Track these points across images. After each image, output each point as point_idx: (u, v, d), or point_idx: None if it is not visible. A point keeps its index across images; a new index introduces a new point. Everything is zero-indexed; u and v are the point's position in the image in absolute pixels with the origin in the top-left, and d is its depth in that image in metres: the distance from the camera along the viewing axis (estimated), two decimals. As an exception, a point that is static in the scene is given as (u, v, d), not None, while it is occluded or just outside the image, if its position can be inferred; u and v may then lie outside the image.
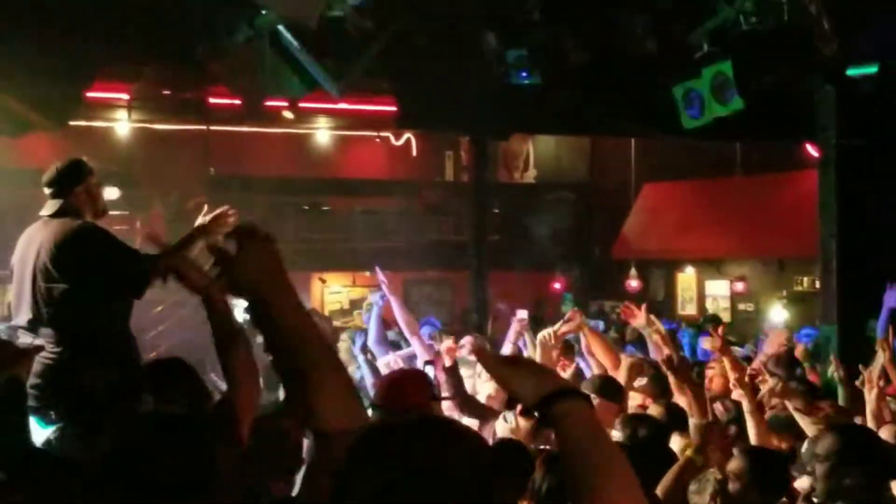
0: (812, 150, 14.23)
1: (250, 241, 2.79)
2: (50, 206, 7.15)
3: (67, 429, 6.58)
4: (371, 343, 10.51)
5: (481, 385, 8.75)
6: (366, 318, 11.49)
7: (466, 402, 8.26)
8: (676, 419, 7.12)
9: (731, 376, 7.55)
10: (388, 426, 2.40)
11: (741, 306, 23.27)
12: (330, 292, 24.40)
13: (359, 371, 10.09)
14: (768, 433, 7.24)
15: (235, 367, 3.86)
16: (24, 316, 6.97)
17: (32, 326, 6.85)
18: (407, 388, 5.74)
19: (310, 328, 2.83)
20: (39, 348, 4.87)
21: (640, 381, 8.60)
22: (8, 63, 10.38)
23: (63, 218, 7.06)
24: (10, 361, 4.05)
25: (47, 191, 7.20)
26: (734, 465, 5.66)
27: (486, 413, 8.13)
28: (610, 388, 7.71)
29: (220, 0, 9.33)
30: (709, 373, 9.40)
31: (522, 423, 7.01)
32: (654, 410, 7.37)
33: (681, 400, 7.35)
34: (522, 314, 11.58)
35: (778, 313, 15.16)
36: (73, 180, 7.15)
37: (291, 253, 22.25)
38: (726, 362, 8.21)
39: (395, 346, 11.26)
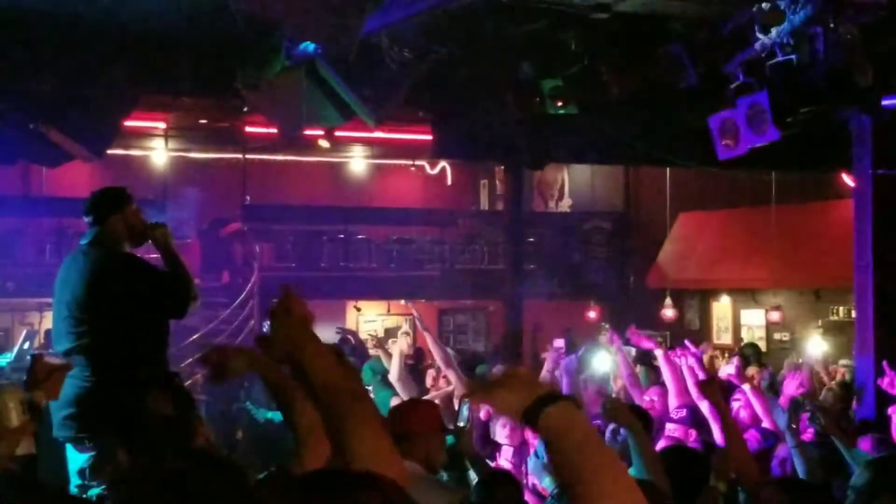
0: (848, 180, 14.18)
1: (278, 319, 3.03)
2: (87, 235, 7.20)
3: (101, 456, 6.62)
4: (393, 379, 10.51)
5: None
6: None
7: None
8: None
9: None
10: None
11: (776, 336, 23.16)
12: (365, 320, 24.45)
13: None
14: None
15: (299, 426, 3.89)
16: (61, 344, 7.02)
17: (68, 354, 6.90)
18: (412, 416, 5.79)
19: (342, 381, 3.04)
20: (67, 367, 4.88)
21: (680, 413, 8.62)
22: (47, 93, 10.48)
23: (99, 247, 7.10)
24: (40, 381, 4.07)
25: (86, 219, 7.24)
26: (768, 495, 5.63)
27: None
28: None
29: (258, 30, 9.39)
30: (734, 405, 9.35)
31: None
32: None
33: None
34: (559, 343, 11.63)
35: (815, 344, 15.10)
36: (109, 208, 7.16)
37: (326, 281, 22.38)
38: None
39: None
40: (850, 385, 11.86)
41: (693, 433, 8.37)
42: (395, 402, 9.97)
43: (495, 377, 2.71)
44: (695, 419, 8.54)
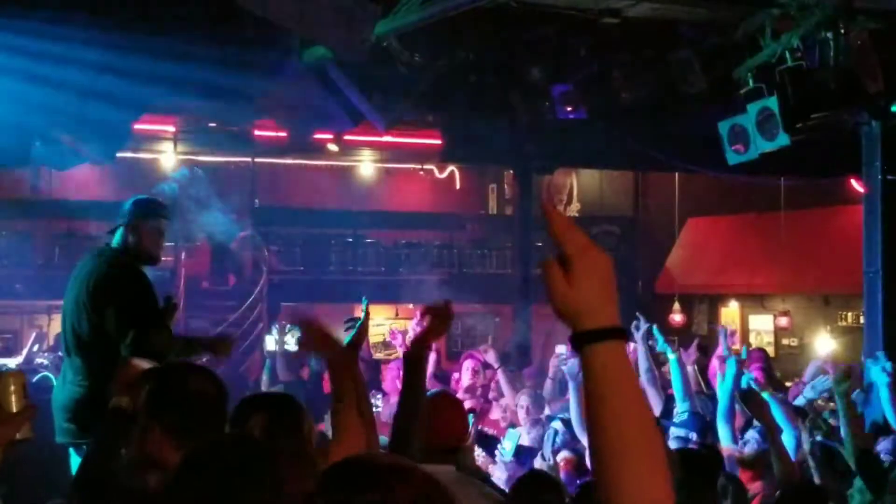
0: (857, 186, 14.18)
1: None
2: (107, 236, 7.18)
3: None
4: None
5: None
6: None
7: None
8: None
9: None
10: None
11: (785, 341, 23.12)
12: (373, 325, 24.41)
13: None
14: None
15: (337, 427, 4.03)
16: (62, 346, 7.03)
17: (68, 356, 6.91)
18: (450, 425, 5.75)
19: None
20: (33, 409, 4.67)
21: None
22: (58, 96, 10.50)
23: (107, 253, 7.06)
24: (127, 386, 4.12)
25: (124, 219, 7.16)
26: None
27: None
28: None
29: (269, 35, 9.41)
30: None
31: None
32: None
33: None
34: (560, 349, 11.63)
35: (825, 347, 15.07)
36: (129, 217, 7.10)
37: (334, 285, 22.38)
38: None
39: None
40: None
41: (693, 436, 8.44)
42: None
43: (585, 248, 2.27)
44: (696, 424, 8.61)
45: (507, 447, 8.58)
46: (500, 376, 10.82)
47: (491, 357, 11.00)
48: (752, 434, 8.27)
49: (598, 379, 2.25)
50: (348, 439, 3.93)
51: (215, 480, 3.02)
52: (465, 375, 11.16)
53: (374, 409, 9.79)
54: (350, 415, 4.01)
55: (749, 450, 7.98)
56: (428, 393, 5.23)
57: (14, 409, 3.93)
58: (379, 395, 10.73)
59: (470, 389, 10.94)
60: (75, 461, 6.76)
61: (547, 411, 10.18)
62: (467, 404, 9.50)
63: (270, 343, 13.02)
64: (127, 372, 4.53)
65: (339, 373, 4.18)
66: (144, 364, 4.64)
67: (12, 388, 3.95)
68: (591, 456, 2.28)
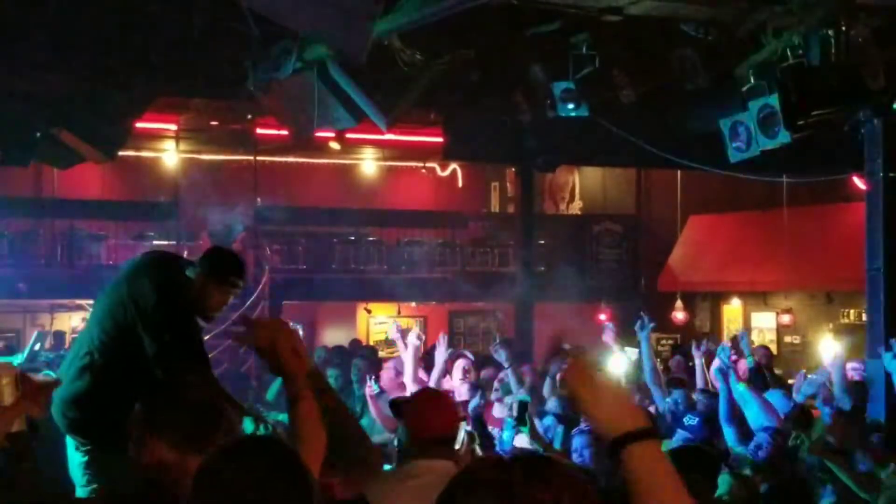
0: (859, 183, 14.17)
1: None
2: (183, 260, 7.09)
3: (98, 455, 6.59)
4: (408, 381, 10.46)
5: None
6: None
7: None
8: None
9: None
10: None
11: (787, 339, 23.11)
12: (375, 322, 24.44)
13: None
14: None
15: (298, 425, 3.95)
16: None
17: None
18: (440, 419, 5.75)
19: None
20: (55, 383, 4.78)
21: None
22: (59, 95, 10.51)
23: (171, 272, 6.91)
24: (23, 398, 4.06)
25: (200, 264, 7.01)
26: None
27: None
28: None
29: (269, 33, 9.40)
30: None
31: None
32: None
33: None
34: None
35: (829, 346, 15.06)
36: (211, 268, 6.88)
37: (337, 283, 22.39)
38: None
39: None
40: (864, 386, 11.85)
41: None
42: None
43: (600, 382, 2.71)
44: (704, 427, 8.65)
45: (505, 437, 8.62)
46: (510, 375, 10.82)
47: (502, 356, 11.00)
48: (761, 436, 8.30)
49: (637, 476, 2.51)
50: (310, 439, 3.90)
51: (249, 483, 2.99)
52: (455, 374, 11.20)
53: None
54: (310, 414, 3.96)
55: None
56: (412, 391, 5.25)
57: (7, 402, 3.94)
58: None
59: (460, 388, 10.95)
60: (72, 454, 6.75)
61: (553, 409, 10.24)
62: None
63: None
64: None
65: (293, 371, 4.08)
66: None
67: (5, 381, 3.96)
68: None
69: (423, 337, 11.28)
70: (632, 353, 12.22)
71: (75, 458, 6.72)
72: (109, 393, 6.52)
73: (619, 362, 11.40)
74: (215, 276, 6.79)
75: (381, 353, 18.72)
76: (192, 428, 3.79)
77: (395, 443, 5.39)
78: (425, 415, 5.00)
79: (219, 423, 3.87)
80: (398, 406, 5.19)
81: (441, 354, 10.51)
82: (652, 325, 11.09)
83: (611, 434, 2.57)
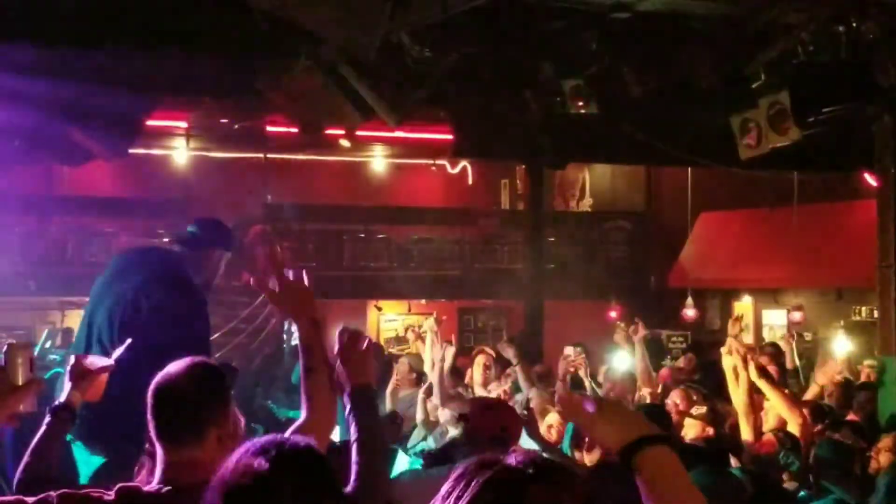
0: (870, 180, 14.13)
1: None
2: (173, 243, 7.07)
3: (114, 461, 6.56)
4: (437, 400, 10.06)
5: None
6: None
7: None
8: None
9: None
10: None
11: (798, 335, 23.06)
12: (385, 320, 24.47)
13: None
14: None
15: (311, 396, 4.03)
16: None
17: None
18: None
19: None
20: (38, 382, 4.69)
21: (699, 410, 8.68)
22: (70, 93, 10.50)
23: (171, 266, 6.90)
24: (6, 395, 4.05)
25: (190, 229, 7.03)
26: None
27: None
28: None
29: (279, 30, 9.39)
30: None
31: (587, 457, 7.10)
32: None
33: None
34: (568, 351, 11.63)
35: (841, 343, 15.04)
36: (209, 240, 6.95)
37: (347, 280, 22.40)
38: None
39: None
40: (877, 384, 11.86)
41: (710, 430, 8.50)
42: None
43: (595, 402, 2.77)
44: (712, 417, 8.67)
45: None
46: (519, 373, 10.80)
47: (510, 353, 10.98)
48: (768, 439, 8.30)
49: (651, 481, 2.56)
50: (320, 410, 3.95)
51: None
52: (476, 370, 11.12)
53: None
54: (324, 386, 4.02)
55: None
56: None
57: (20, 382, 3.95)
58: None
59: (484, 384, 10.92)
60: (81, 456, 6.73)
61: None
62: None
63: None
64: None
65: (315, 342, 4.16)
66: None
67: (19, 360, 3.97)
68: None
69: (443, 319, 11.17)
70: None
71: (89, 462, 6.69)
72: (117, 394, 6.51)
73: (624, 360, 11.39)
74: (211, 245, 6.92)
75: (392, 351, 18.74)
76: (171, 421, 3.84)
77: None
78: (484, 420, 5.15)
79: (195, 416, 3.89)
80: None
81: (437, 352, 10.15)
82: (645, 332, 11.14)
83: (620, 444, 2.62)
